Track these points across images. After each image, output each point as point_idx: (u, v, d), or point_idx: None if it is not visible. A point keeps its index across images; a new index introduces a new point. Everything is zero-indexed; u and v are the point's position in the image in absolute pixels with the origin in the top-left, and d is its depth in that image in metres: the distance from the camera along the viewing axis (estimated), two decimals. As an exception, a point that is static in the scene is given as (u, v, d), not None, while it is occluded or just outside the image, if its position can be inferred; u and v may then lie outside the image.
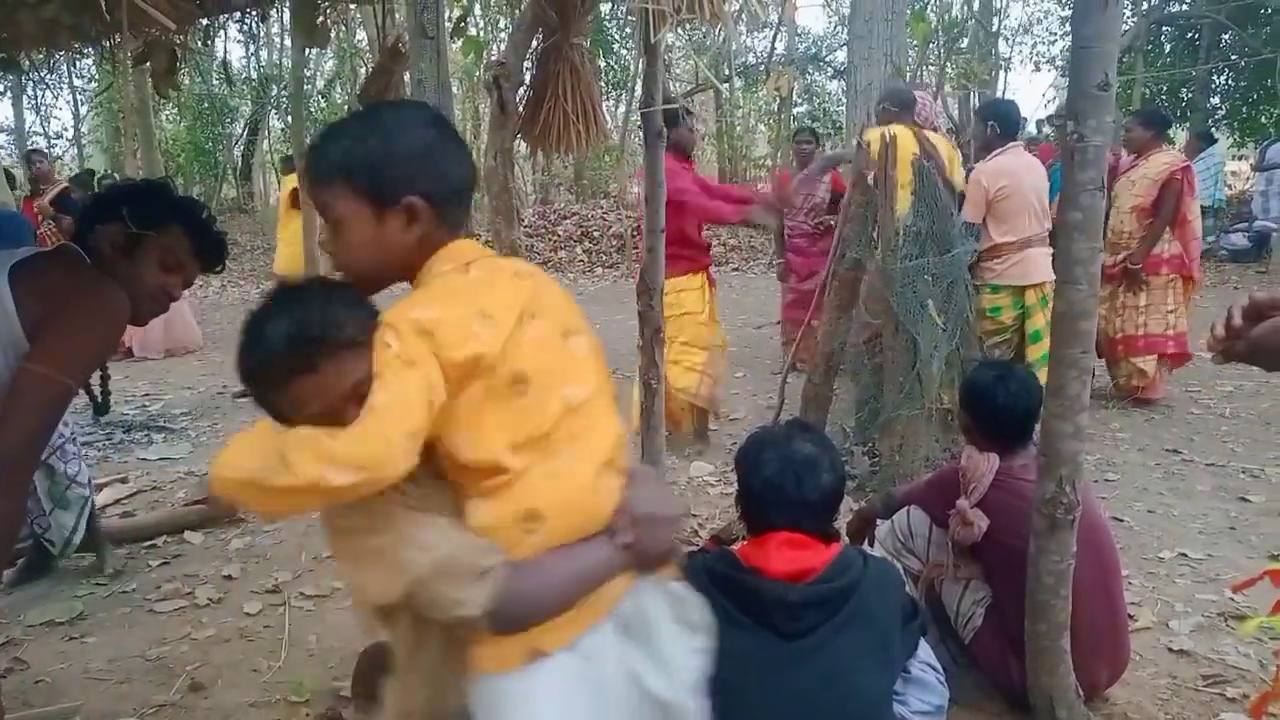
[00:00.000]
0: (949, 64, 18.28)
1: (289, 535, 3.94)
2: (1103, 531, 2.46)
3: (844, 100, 17.19)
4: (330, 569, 3.57)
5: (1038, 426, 2.45)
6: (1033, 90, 49.06)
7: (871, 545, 2.76)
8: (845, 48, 16.51)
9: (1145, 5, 15.73)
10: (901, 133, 4.54)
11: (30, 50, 2.61)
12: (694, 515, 3.94)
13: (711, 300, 4.89)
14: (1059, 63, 19.01)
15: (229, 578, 3.50)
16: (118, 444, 5.34)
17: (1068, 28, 18.43)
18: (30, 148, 12.48)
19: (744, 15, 1.84)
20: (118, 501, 4.34)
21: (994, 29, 18.37)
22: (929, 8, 15.76)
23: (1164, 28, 17.03)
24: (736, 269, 14.03)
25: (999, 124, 4.71)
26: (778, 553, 1.76)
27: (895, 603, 1.86)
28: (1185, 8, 16.54)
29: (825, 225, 6.54)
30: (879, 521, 2.76)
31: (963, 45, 18.37)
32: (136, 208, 1.92)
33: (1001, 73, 19.09)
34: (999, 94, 18.27)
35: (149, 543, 3.85)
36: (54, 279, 1.77)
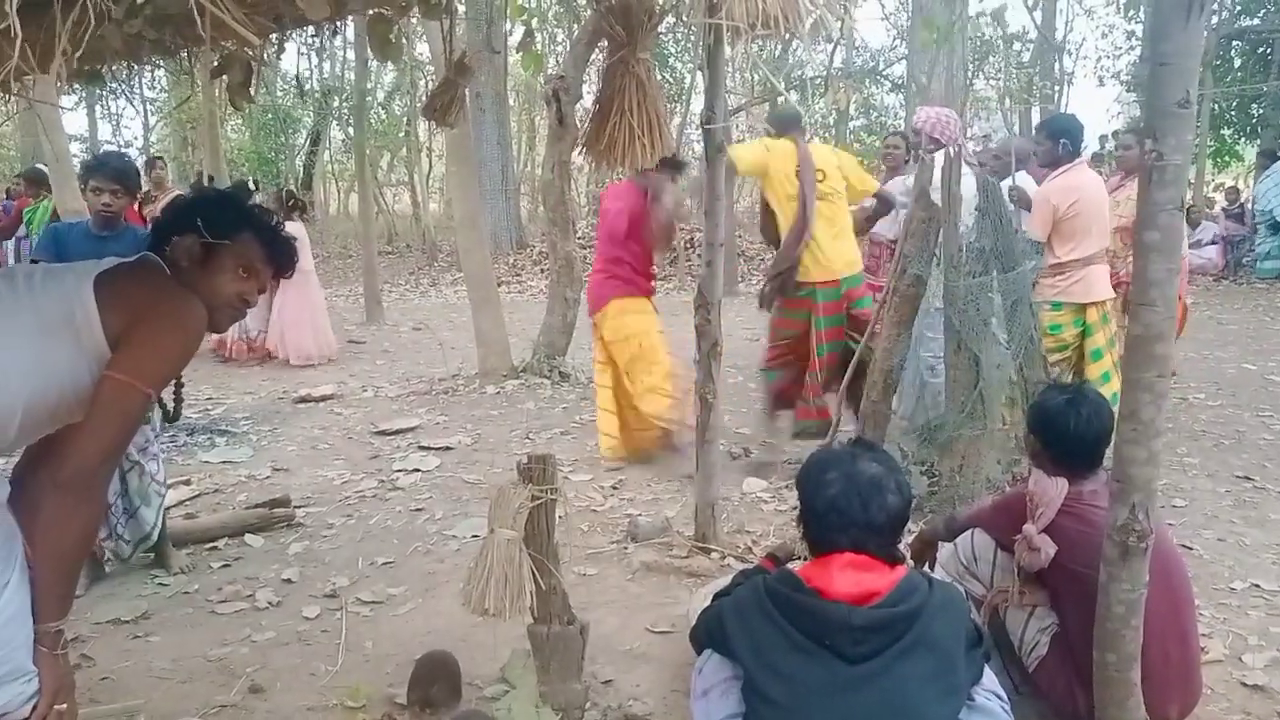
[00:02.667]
0: (1011, 78, 18.06)
1: (346, 541, 4.00)
2: (1175, 560, 2.39)
3: (902, 113, 17.07)
4: (387, 575, 3.61)
5: (1108, 451, 2.40)
6: (1096, 105, 48.18)
7: (933, 568, 2.71)
8: (904, 61, 16.39)
9: (1215, 20, 15.35)
10: (780, 145, 4.64)
11: (112, 64, 2.68)
12: (748, 532, 3.91)
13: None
14: (1124, 77, 18.65)
15: (288, 581, 3.56)
16: (181, 446, 5.47)
17: (1133, 42, 18.20)
18: (153, 154, 12.91)
19: (815, 30, 1.83)
20: (181, 503, 4.44)
21: (1058, 42, 18.09)
22: (987, 20, 15.52)
23: (1234, 42, 16.62)
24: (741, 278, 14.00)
25: (1070, 141, 4.63)
26: (841, 574, 1.73)
27: (960, 629, 1.82)
28: (1257, 22, 16.12)
29: None
30: (941, 544, 2.71)
31: (1024, 59, 18.13)
32: (210, 218, 1.96)
33: (1064, 87, 18.75)
34: (1062, 109, 17.97)
35: (210, 544, 3.93)
36: (135, 290, 1.81)
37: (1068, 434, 2.35)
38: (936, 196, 3.88)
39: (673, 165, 4.77)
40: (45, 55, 1.96)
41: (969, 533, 2.60)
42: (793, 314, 4.74)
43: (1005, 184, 6.61)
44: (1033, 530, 2.28)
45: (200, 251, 1.92)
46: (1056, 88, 18.17)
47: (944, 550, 2.71)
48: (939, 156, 4.90)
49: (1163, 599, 2.20)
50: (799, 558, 2.37)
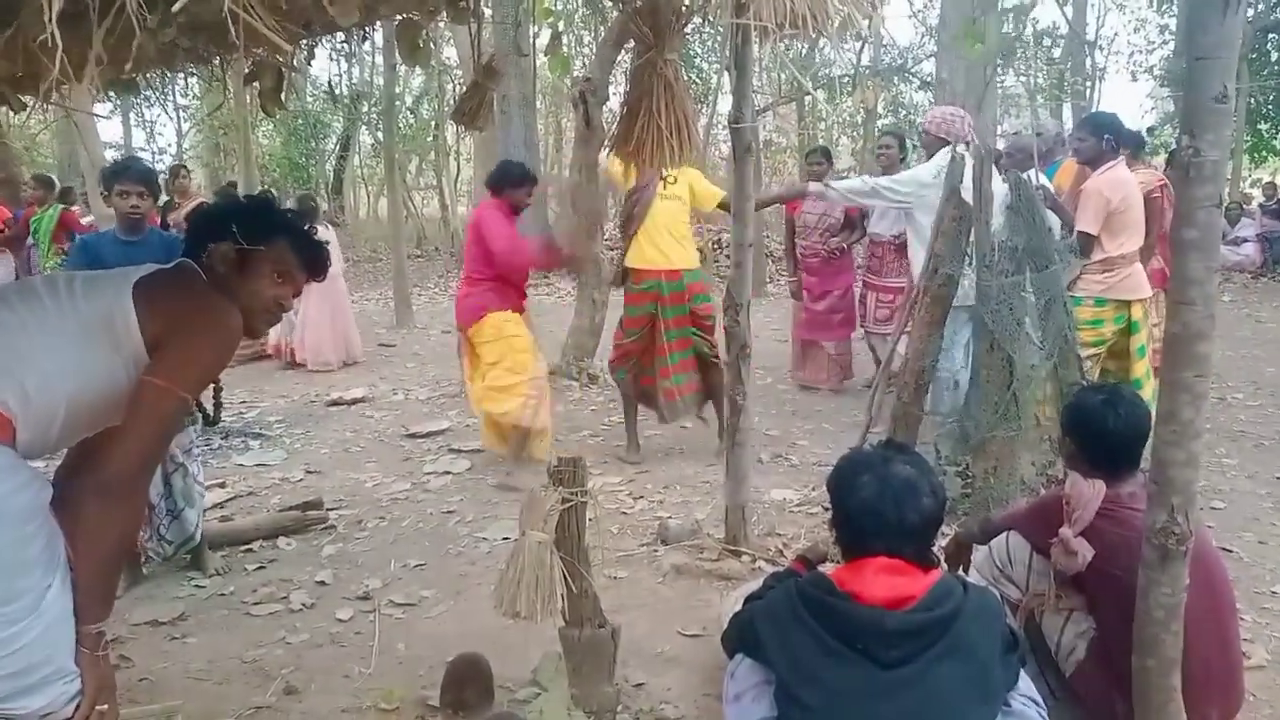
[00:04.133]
0: (1041, 74, 17.87)
1: (379, 543, 4.03)
2: (1215, 564, 2.34)
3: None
4: (419, 578, 3.63)
5: (1146, 452, 2.36)
6: (1128, 100, 47.51)
7: (967, 571, 2.68)
8: (932, 58, 16.24)
9: (1251, 13, 15.10)
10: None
11: (147, 72, 2.72)
12: (779, 534, 3.89)
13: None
14: (1157, 72, 18.39)
15: (321, 583, 3.59)
16: (216, 449, 5.53)
17: (1167, 36, 17.96)
18: (174, 162, 13.08)
19: (844, 28, 1.81)
20: (217, 505, 4.49)
21: (1090, 38, 17.85)
22: (1014, 18, 15.37)
23: (1271, 35, 16.33)
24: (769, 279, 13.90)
25: (1114, 137, 4.58)
26: (875, 578, 1.71)
27: (996, 633, 1.80)
28: (1294, 14, 15.84)
29: (840, 247, 6.50)
30: (975, 547, 2.68)
31: (1055, 55, 17.93)
32: (245, 224, 1.98)
33: (1096, 83, 18.51)
34: (1094, 105, 17.74)
35: (245, 546, 3.97)
36: (173, 296, 1.84)
37: (1105, 435, 2.32)
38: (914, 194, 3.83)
39: (521, 183, 4.87)
40: (82, 64, 2.00)
41: (1004, 536, 2.57)
42: (639, 309, 5.03)
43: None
44: (1069, 533, 2.25)
45: (236, 258, 1.95)
46: (1088, 83, 17.94)
47: (979, 553, 2.67)
48: (967, 155, 4.88)
49: (1203, 603, 2.16)
50: (830, 560, 2.35)
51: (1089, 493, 2.27)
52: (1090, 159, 4.61)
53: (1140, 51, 18.89)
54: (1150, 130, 18.07)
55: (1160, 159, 14.87)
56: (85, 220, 8.60)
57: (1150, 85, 20.22)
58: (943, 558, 2.66)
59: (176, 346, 1.78)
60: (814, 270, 6.62)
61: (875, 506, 1.73)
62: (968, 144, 5.03)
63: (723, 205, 5.21)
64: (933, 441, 4.08)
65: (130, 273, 1.87)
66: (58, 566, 1.68)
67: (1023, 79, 18.68)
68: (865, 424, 4.39)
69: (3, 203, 8.66)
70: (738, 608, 2.18)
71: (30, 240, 8.50)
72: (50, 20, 1.40)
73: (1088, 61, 17.95)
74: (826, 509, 4.08)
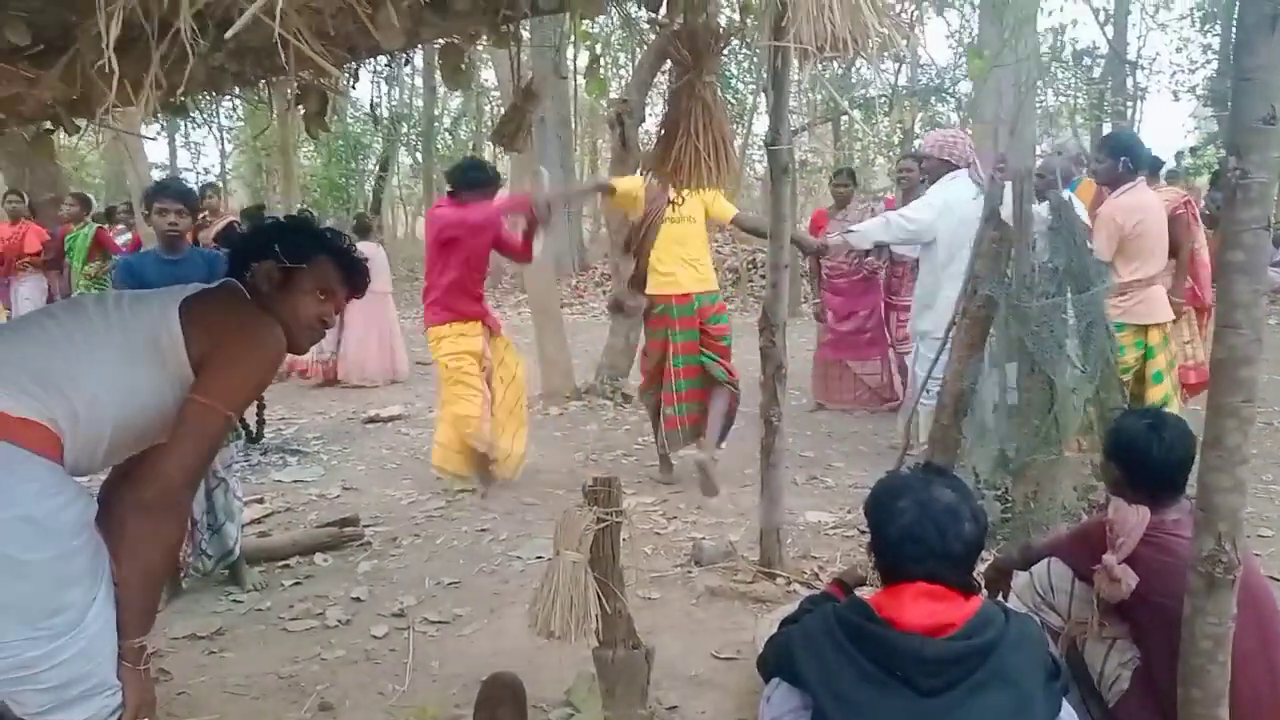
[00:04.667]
0: (1081, 94, 17.71)
1: (413, 560, 4.05)
2: (1264, 592, 2.28)
3: (968, 132, 16.84)
4: (453, 595, 3.65)
5: (1191, 478, 2.31)
6: (1171, 120, 46.90)
7: (1006, 597, 2.64)
8: (969, 79, 16.16)
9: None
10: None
11: (195, 95, 2.78)
12: (814, 557, 3.86)
13: (496, 346, 4.99)
14: (1200, 92, 18.15)
15: (357, 599, 3.61)
16: (255, 465, 5.60)
17: (1209, 56, 17.73)
18: (204, 182, 13.32)
19: (883, 50, 1.82)
20: (255, 521, 4.54)
21: (1131, 58, 17.67)
22: (1056, 37, 15.27)
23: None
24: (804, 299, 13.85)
25: (1131, 159, 4.53)
26: (914, 604, 1.69)
27: (1038, 662, 1.76)
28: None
29: (870, 268, 6.46)
30: (1016, 573, 2.63)
31: (1095, 74, 17.78)
32: (287, 243, 2.02)
33: (1137, 102, 18.31)
34: (1135, 125, 17.56)
35: (283, 562, 4.01)
36: (217, 315, 1.88)
37: (1150, 461, 2.27)
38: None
39: (484, 187, 4.76)
40: (134, 88, 2.05)
41: (1045, 562, 2.52)
42: (655, 334, 5.00)
43: (1042, 206, 6.54)
44: (1113, 560, 2.21)
45: (280, 276, 1.98)
46: (1129, 103, 17.76)
47: (1019, 579, 2.63)
48: (978, 178, 4.89)
49: (1251, 633, 2.11)
50: (867, 583, 2.33)
51: (1133, 519, 2.23)
52: (1108, 180, 4.56)
53: (1183, 71, 18.65)
54: (1193, 150, 17.88)
55: (1204, 179, 14.67)
56: (121, 240, 8.74)
57: (1193, 105, 19.97)
58: (982, 583, 2.62)
59: (221, 365, 1.82)
60: (840, 291, 6.58)
61: (916, 532, 1.71)
62: (970, 164, 5.05)
63: (737, 221, 5.24)
64: (971, 464, 4.04)
65: (176, 292, 1.91)
66: (102, 581, 1.71)
67: (1063, 99, 18.52)
68: (902, 446, 4.35)
69: (42, 223, 8.81)
70: (773, 631, 2.16)
71: (67, 260, 8.68)
72: (108, 46, 1.44)
73: (1129, 81, 17.77)
74: (863, 532, 4.06)
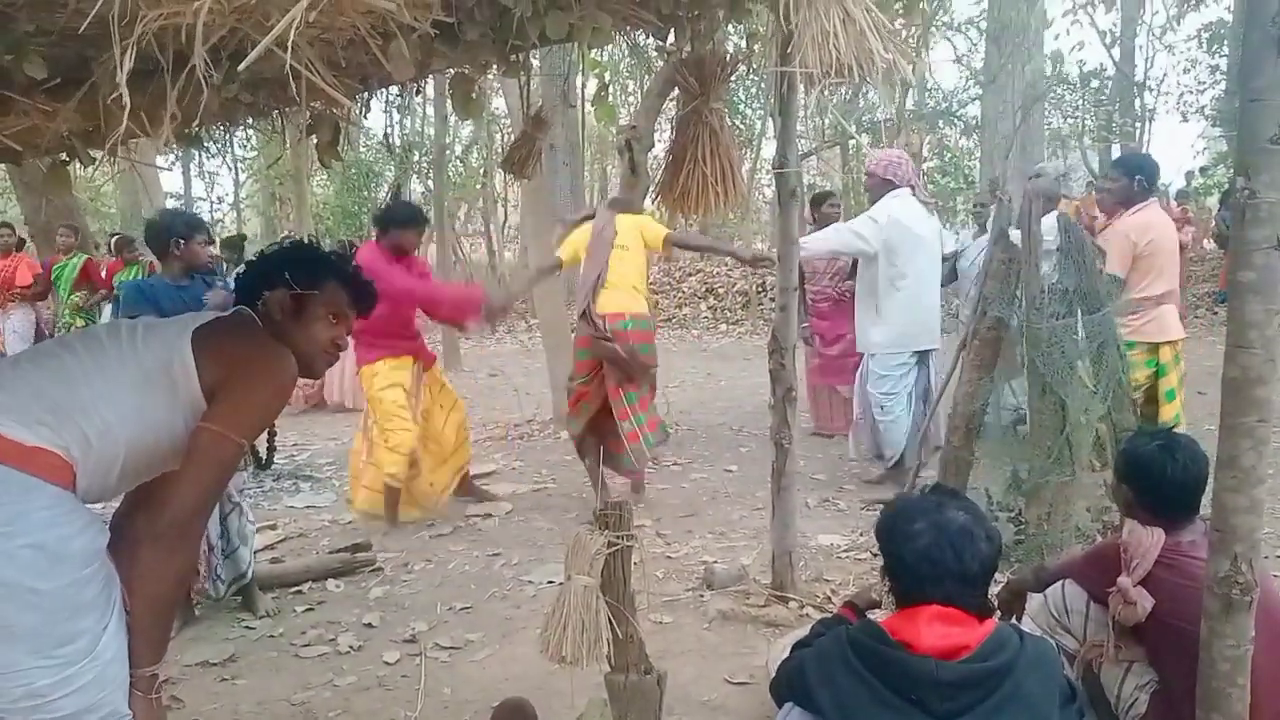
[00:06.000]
0: (1089, 115, 17.74)
1: (425, 585, 4.04)
2: (1283, 615, 2.26)
3: (977, 154, 16.87)
4: (465, 621, 3.64)
5: (1206, 499, 2.30)
6: (1180, 141, 46.86)
7: (1020, 620, 2.61)
8: (977, 102, 16.24)
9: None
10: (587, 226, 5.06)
11: (209, 126, 2.82)
12: (827, 580, 3.84)
13: (432, 378, 5.04)
14: (1208, 112, 18.15)
15: (369, 625, 3.61)
16: (268, 491, 5.61)
17: (1218, 77, 17.74)
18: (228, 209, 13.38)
19: (889, 75, 1.83)
20: (268, 547, 4.55)
21: (1139, 79, 17.70)
22: (1063, 57, 15.33)
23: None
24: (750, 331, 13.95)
25: (1145, 179, 4.55)
26: (928, 627, 1.68)
27: (1054, 685, 1.75)
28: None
29: (852, 290, 6.44)
30: (1030, 595, 2.61)
31: (1103, 96, 17.81)
32: (296, 270, 2.04)
33: (1145, 124, 18.31)
34: (1143, 146, 17.56)
35: (295, 588, 4.01)
36: (230, 343, 1.89)
37: (1164, 483, 2.26)
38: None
39: (407, 224, 4.87)
40: (149, 119, 2.08)
41: (1060, 584, 2.51)
42: (583, 353, 4.99)
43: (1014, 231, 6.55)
44: (1128, 583, 2.19)
45: (291, 303, 2.00)
46: (1137, 124, 17.76)
47: (1033, 601, 2.61)
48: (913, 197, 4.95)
49: (1270, 655, 2.09)
50: (879, 606, 2.31)
51: (1148, 541, 2.21)
52: (1121, 200, 4.57)
53: (1191, 92, 18.66)
54: (1203, 170, 17.86)
55: (1213, 199, 14.65)
56: (132, 270, 8.73)
57: (1202, 126, 19.98)
58: (996, 605, 2.60)
59: (233, 393, 1.83)
60: (825, 315, 6.55)
61: (931, 554, 1.70)
62: (913, 188, 5.11)
63: (671, 241, 5.35)
64: (983, 486, 4.02)
65: (188, 320, 1.93)
66: (113, 609, 1.72)
67: (1070, 120, 18.56)
68: (913, 469, 4.34)
69: (28, 259, 8.84)
70: (786, 655, 2.15)
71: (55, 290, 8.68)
72: (121, 80, 1.47)
73: (1137, 102, 17.80)
74: (875, 555, 4.04)
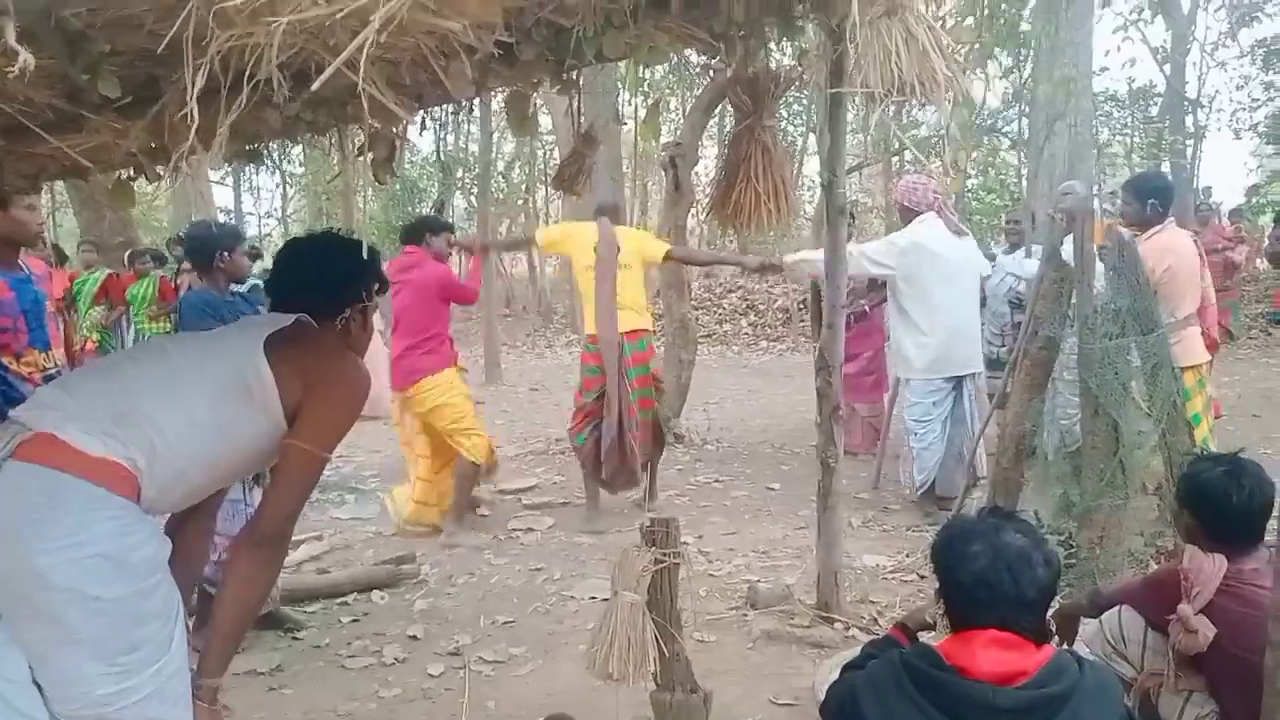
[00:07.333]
0: (1139, 132, 17.49)
1: (468, 598, 4.06)
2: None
3: (1023, 171, 16.68)
4: (508, 635, 3.65)
5: (1270, 525, 2.25)
6: (1233, 158, 45.95)
7: (1072, 645, 2.56)
8: (1024, 118, 16.07)
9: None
10: (583, 227, 5.20)
11: (269, 143, 2.88)
12: (873, 602, 3.80)
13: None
14: (1262, 129, 17.82)
15: (413, 638, 3.63)
16: (314, 503, 5.66)
17: (1272, 94, 17.41)
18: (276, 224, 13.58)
19: (951, 93, 1.82)
20: (314, 558, 4.60)
21: (1190, 96, 17.41)
22: (1115, 74, 15.15)
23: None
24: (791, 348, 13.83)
25: (1159, 201, 4.45)
26: (984, 652, 1.65)
27: (1114, 714, 1.71)
28: None
29: (862, 310, 6.38)
30: (1084, 620, 2.56)
31: (1153, 113, 17.56)
32: (371, 284, 2.13)
33: (1197, 141, 18.00)
34: (1195, 163, 17.27)
35: (340, 599, 4.05)
36: (307, 358, 1.94)
37: (1229, 510, 2.21)
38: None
39: (440, 230, 5.07)
40: (208, 136, 2.13)
41: (1116, 610, 2.45)
42: (590, 370, 5.10)
43: (1018, 254, 6.40)
44: (1189, 611, 2.14)
45: (362, 316, 2.08)
46: (1188, 141, 17.47)
47: (1088, 627, 2.56)
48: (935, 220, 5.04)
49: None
50: (932, 628, 2.28)
51: (1209, 568, 2.16)
52: (1135, 224, 4.46)
53: (1244, 109, 18.33)
54: (1256, 188, 17.50)
55: (1267, 217, 14.35)
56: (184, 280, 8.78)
57: (1255, 143, 19.61)
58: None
59: (318, 410, 1.89)
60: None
61: (988, 577, 1.67)
62: (935, 209, 5.06)
63: (670, 256, 5.46)
64: (1032, 509, 3.95)
65: (250, 329, 1.97)
66: (176, 620, 1.75)
67: (1118, 138, 18.31)
68: (963, 488, 4.28)
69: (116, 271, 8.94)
70: (834, 677, 2.13)
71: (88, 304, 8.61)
72: (191, 99, 1.50)
73: (1188, 119, 17.51)
74: (922, 576, 3.99)
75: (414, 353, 4.82)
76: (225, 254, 3.74)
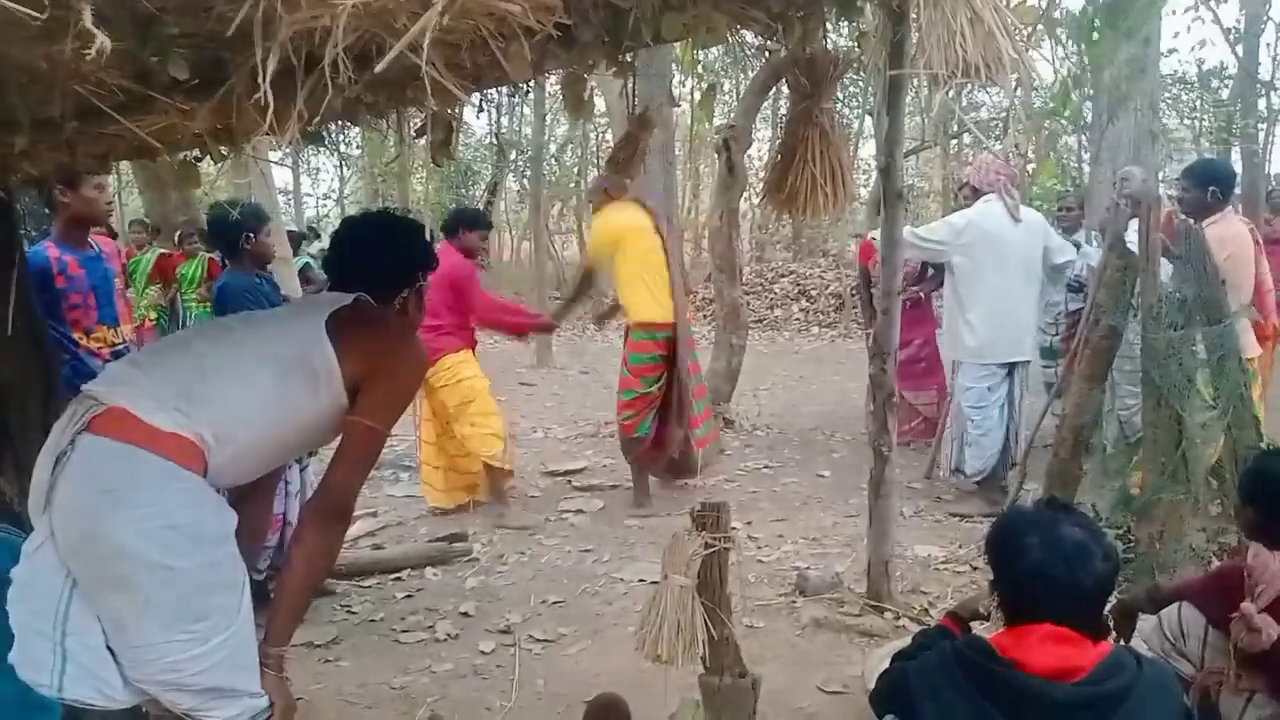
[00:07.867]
0: (1208, 116, 16.95)
1: (519, 578, 4.11)
2: None
3: (1086, 154, 16.25)
4: (558, 614, 3.69)
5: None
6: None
7: (1129, 641, 2.52)
8: (1088, 101, 15.65)
9: None
10: (629, 221, 4.77)
11: (330, 124, 2.92)
12: (924, 592, 3.76)
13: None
14: (1339, 113, 17.15)
15: (465, 614, 3.69)
16: (368, 480, 5.76)
17: (1352, 75, 16.72)
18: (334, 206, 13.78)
19: (1015, 74, 1.78)
20: (368, 534, 4.69)
21: (1264, 78, 16.81)
22: (1184, 56, 14.67)
23: None
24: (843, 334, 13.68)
25: (1220, 189, 4.31)
26: (1040, 647, 1.62)
27: (1174, 712, 1.67)
28: None
29: (915, 297, 6.26)
30: (1142, 615, 2.52)
31: (1223, 96, 17.00)
32: (429, 263, 2.18)
33: (1271, 125, 17.38)
34: (1268, 148, 16.69)
35: (394, 575, 4.12)
36: (369, 338, 1.99)
37: (1294, 506, 2.15)
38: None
39: (475, 224, 5.08)
40: (277, 118, 2.16)
41: (1176, 606, 2.40)
42: (651, 358, 5.00)
43: (1078, 236, 6.23)
44: (1252, 609, 2.09)
45: (418, 297, 2.13)
46: (1260, 125, 16.87)
47: (1146, 623, 2.51)
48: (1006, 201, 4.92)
49: None
50: (985, 619, 2.25)
51: (1274, 566, 2.11)
52: (1194, 211, 4.32)
53: (1321, 92, 17.64)
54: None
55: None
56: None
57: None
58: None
59: (382, 389, 1.96)
60: None
61: (1045, 570, 1.64)
62: (997, 189, 4.96)
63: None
64: (1090, 501, 3.88)
65: (311, 309, 2.02)
66: (243, 590, 1.80)
67: (1187, 122, 17.77)
68: (1018, 481, 4.22)
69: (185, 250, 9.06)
70: (885, 666, 2.12)
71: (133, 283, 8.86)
72: (263, 82, 1.53)
73: (1261, 102, 16.91)
74: (974, 568, 3.95)
75: (432, 333, 4.80)
76: (251, 235, 3.77)
